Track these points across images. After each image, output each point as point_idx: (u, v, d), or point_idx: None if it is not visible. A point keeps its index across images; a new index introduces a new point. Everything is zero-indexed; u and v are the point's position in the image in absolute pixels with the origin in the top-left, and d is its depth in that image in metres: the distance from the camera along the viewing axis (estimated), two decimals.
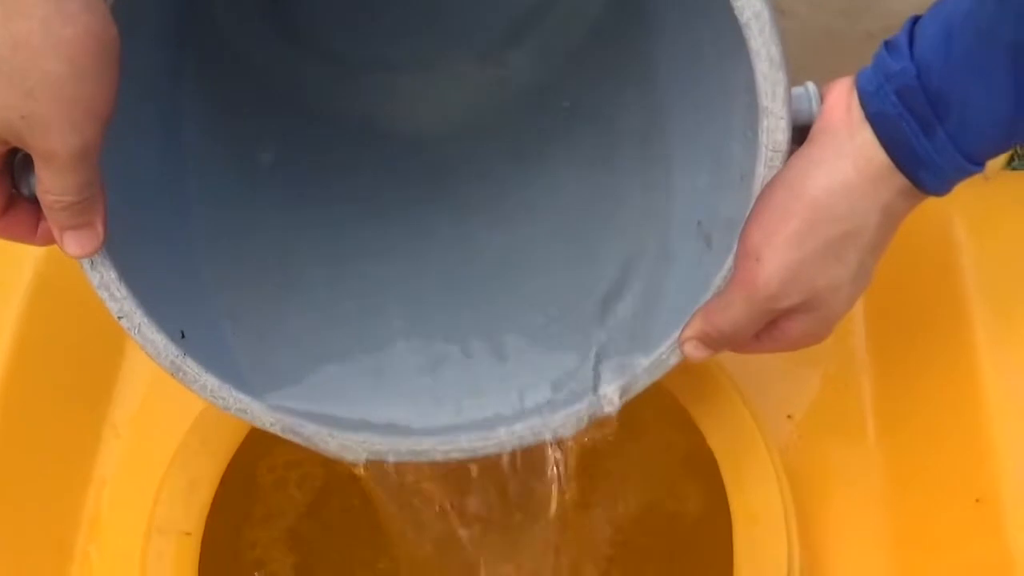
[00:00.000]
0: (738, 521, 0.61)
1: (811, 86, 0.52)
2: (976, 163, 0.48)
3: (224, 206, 0.64)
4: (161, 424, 0.70)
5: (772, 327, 0.54)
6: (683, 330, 0.55)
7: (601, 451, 0.70)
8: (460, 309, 0.66)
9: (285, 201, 0.68)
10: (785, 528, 0.61)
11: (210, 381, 0.54)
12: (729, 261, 0.53)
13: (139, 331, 0.52)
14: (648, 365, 0.57)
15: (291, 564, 0.70)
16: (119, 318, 0.51)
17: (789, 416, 0.70)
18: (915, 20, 0.48)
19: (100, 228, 0.47)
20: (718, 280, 0.54)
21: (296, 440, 0.56)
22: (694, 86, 0.59)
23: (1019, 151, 1.08)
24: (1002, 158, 1.05)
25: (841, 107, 0.50)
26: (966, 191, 0.73)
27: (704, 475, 0.63)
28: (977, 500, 0.61)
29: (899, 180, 0.49)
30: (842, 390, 0.71)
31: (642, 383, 0.57)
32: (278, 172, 0.69)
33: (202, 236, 0.61)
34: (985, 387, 0.64)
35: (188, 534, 0.63)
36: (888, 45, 0.49)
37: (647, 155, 0.64)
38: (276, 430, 0.56)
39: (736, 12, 0.47)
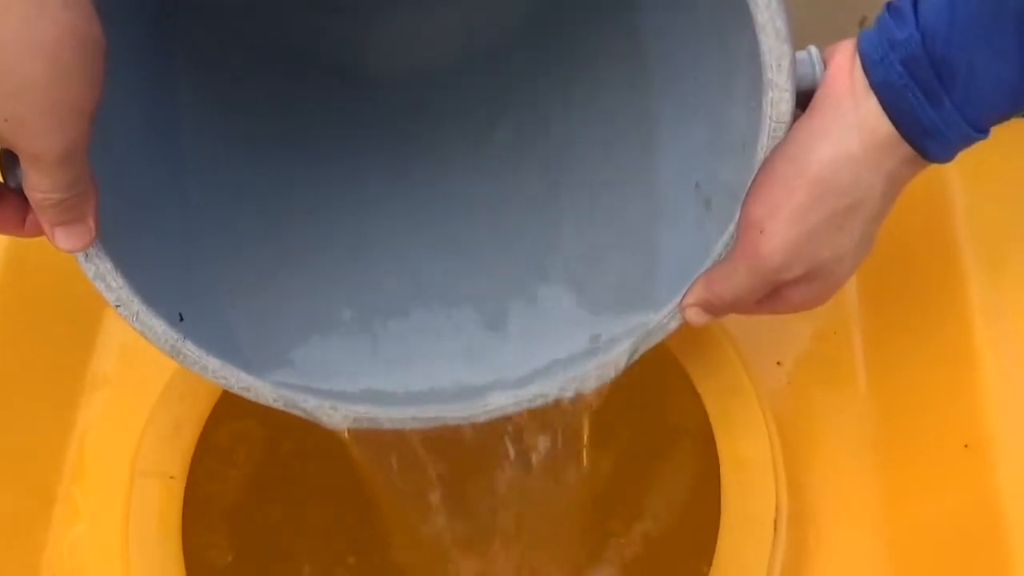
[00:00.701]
0: (726, 466, 0.61)
1: (814, 51, 0.51)
2: (981, 130, 0.48)
3: (214, 180, 0.63)
4: (145, 372, 0.69)
5: (774, 294, 0.53)
6: (685, 296, 0.55)
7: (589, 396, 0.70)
8: (454, 269, 0.66)
9: (273, 166, 0.67)
10: (773, 473, 0.61)
11: (211, 363, 0.54)
12: (731, 229, 0.53)
13: (137, 318, 0.51)
14: (650, 329, 0.57)
15: (277, 506, 0.70)
16: (116, 307, 0.51)
17: (779, 363, 0.70)
18: None
19: (91, 222, 0.46)
20: (719, 247, 0.54)
21: (298, 414, 0.56)
22: (692, 46, 0.58)
23: None
24: None
25: (844, 73, 0.49)
26: None
27: (693, 420, 0.63)
28: (966, 446, 0.61)
29: (904, 150, 0.48)
30: (832, 338, 0.71)
31: (644, 347, 0.57)
32: (264, 136, 0.68)
33: (194, 213, 0.60)
34: (975, 335, 0.64)
35: (172, 477, 0.63)
36: (891, 9, 0.48)
37: (638, 110, 0.63)
38: (279, 406, 0.56)
39: None
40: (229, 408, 0.65)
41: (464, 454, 0.62)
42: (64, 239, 0.46)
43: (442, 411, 0.57)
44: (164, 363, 0.65)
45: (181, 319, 0.53)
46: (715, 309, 0.55)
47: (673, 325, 0.56)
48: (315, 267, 0.64)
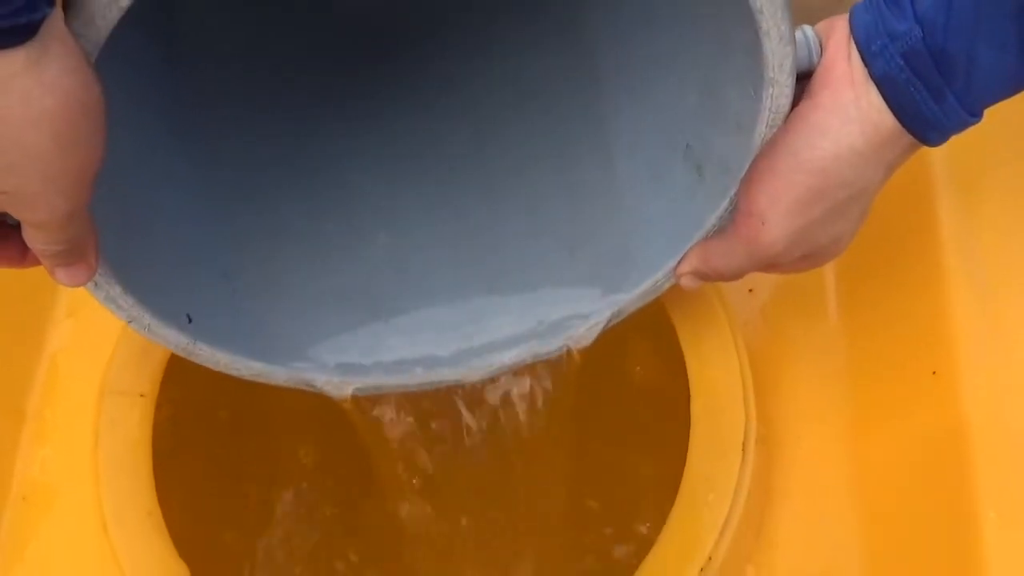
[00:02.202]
0: (696, 389, 0.62)
1: (810, 33, 0.50)
2: (978, 115, 0.48)
3: (208, 180, 0.62)
4: None
5: (769, 266, 0.55)
6: (680, 264, 0.57)
7: None
8: (449, 234, 0.66)
9: (263, 140, 0.66)
10: (742, 397, 0.61)
11: (222, 358, 0.55)
12: (724, 205, 0.54)
13: (149, 330, 0.52)
14: (642, 291, 0.59)
15: (247, 424, 0.70)
16: (129, 322, 0.51)
17: (751, 290, 0.70)
18: None
19: (92, 260, 0.45)
20: (712, 220, 0.55)
21: (310, 390, 0.58)
22: (686, 23, 0.57)
23: None
24: None
25: (842, 60, 0.49)
26: None
27: (664, 345, 0.63)
28: (934, 373, 0.62)
29: (906, 140, 0.49)
30: None
31: (634, 306, 0.60)
32: (257, 132, 0.66)
33: (190, 213, 0.60)
34: (945, 265, 0.64)
35: (142, 395, 0.63)
36: None
37: (627, 63, 0.62)
38: (290, 385, 0.58)
39: (750, 4, 0.45)
40: None
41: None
42: (65, 277, 0.45)
43: (444, 375, 0.60)
44: None
45: (190, 320, 0.54)
46: (708, 278, 0.57)
47: (665, 286, 0.59)
48: (312, 249, 0.64)
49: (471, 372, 0.60)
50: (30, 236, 0.42)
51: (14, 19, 0.34)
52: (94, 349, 0.67)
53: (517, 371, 0.62)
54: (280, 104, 0.67)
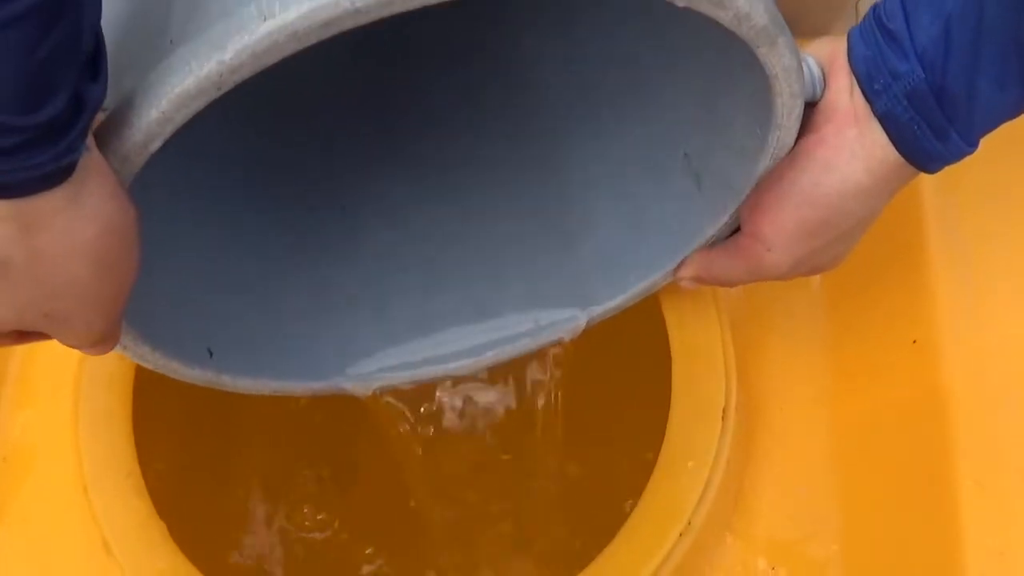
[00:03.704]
0: (677, 356, 0.62)
1: (814, 67, 0.50)
2: (976, 145, 0.49)
3: (212, 176, 0.62)
4: None
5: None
6: (682, 268, 0.59)
7: None
8: (449, 233, 0.66)
9: (264, 145, 0.67)
10: (723, 364, 0.62)
11: (244, 383, 0.57)
12: (724, 219, 0.56)
13: (177, 373, 0.54)
14: (640, 289, 0.61)
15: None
16: (157, 369, 0.53)
17: None
18: None
19: (118, 337, 0.46)
20: (712, 231, 0.57)
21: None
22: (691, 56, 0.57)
23: None
24: None
25: (844, 94, 0.50)
26: None
27: (646, 312, 0.63)
28: (914, 342, 0.62)
29: (908, 170, 0.50)
30: None
31: (631, 302, 0.62)
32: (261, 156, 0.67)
33: (194, 225, 0.60)
34: (927, 235, 0.64)
35: (123, 357, 0.63)
36: (886, 33, 0.47)
37: (626, 68, 0.62)
38: (308, 395, 0.60)
39: (766, 68, 0.45)
40: None
41: None
42: (94, 353, 0.46)
43: (452, 368, 0.62)
44: None
45: (211, 355, 0.55)
46: (707, 283, 0.60)
47: (663, 283, 0.61)
48: (316, 255, 0.65)
49: (479, 363, 0.62)
50: (63, 340, 0.43)
51: (55, 163, 0.36)
52: None
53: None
54: (283, 111, 0.67)
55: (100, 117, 0.39)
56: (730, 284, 0.59)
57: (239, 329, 0.59)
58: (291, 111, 0.67)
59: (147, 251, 0.43)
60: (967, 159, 0.65)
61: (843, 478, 0.64)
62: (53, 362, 0.67)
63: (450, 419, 0.74)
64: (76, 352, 0.63)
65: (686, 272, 0.59)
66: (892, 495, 0.62)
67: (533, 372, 0.75)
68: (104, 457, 0.60)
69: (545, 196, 0.65)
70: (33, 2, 0.33)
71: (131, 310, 0.46)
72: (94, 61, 0.37)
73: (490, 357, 0.62)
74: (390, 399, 0.63)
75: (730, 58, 0.48)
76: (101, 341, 0.44)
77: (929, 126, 0.47)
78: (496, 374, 0.75)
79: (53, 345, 0.68)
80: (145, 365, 0.53)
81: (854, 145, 0.49)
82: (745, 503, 0.63)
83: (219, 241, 0.61)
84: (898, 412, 0.62)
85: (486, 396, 0.76)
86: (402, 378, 0.62)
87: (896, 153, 0.49)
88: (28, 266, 0.38)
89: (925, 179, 0.65)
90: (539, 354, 0.67)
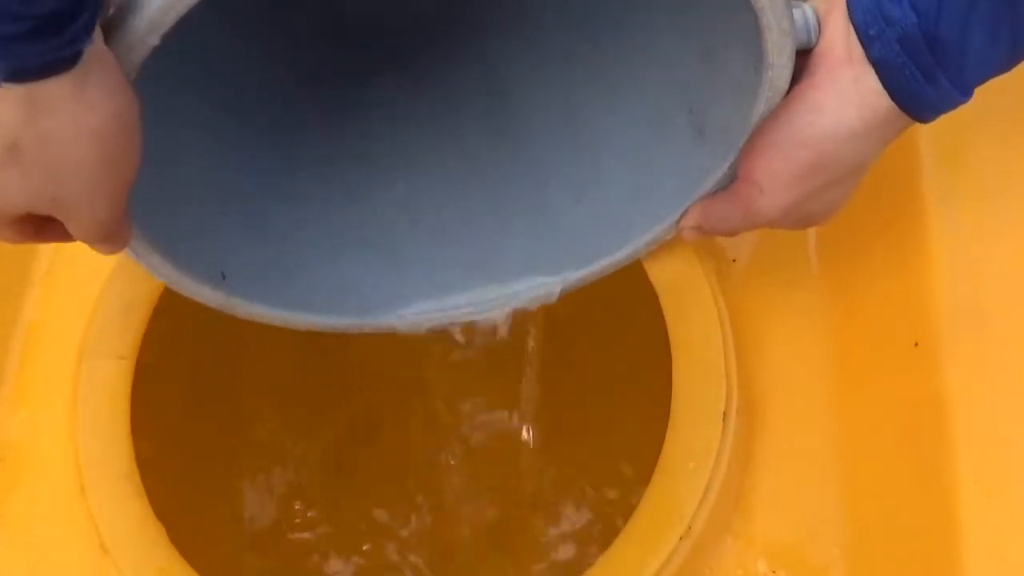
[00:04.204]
0: (678, 358, 0.62)
1: (809, 12, 0.51)
2: (969, 95, 0.50)
3: (231, 108, 0.64)
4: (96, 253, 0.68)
5: (764, 225, 0.58)
6: (683, 219, 0.61)
7: None
8: (458, 180, 0.67)
9: (284, 82, 0.68)
10: (724, 366, 0.61)
11: (256, 310, 0.58)
12: (724, 168, 0.57)
13: (187, 290, 0.55)
14: (647, 240, 0.62)
15: (227, 390, 0.70)
16: (170, 285, 0.55)
17: (734, 260, 0.70)
18: None
19: (126, 234, 0.49)
20: (712, 182, 0.58)
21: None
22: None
23: None
24: None
25: (840, 40, 0.50)
26: None
27: (646, 312, 0.63)
28: (916, 344, 0.62)
29: (901, 118, 0.50)
30: (789, 237, 0.70)
31: (640, 254, 0.63)
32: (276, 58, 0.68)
33: (215, 152, 0.62)
34: (930, 236, 0.64)
35: (121, 358, 0.63)
36: None
37: (630, 20, 0.63)
38: (317, 328, 0.61)
39: (753, 2, 0.46)
40: None
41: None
42: (103, 250, 0.49)
43: (462, 314, 0.63)
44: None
45: (224, 277, 0.57)
46: (707, 234, 0.61)
47: (666, 238, 0.62)
48: (333, 196, 0.66)
49: (490, 308, 0.63)
50: (73, 228, 0.46)
51: (60, 51, 0.39)
52: (74, 311, 0.67)
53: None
54: (300, 57, 0.68)
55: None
56: (729, 233, 0.60)
57: (254, 257, 0.60)
58: (311, 56, 0.69)
59: (167, 167, 0.46)
60: (972, 162, 0.65)
61: (844, 481, 0.63)
62: (51, 362, 0.67)
63: (455, 437, 0.75)
64: (74, 352, 0.64)
65: (687, 222, 0.61)
66: (893, 498, 0.61)
67: (533, 371, 0.75)
68: (101, 457, 0.60)
69: (556, 149, 0.66)
70: None
71: (147, 218, 0.48)
72: None
73: (496, 308, 0.63)
74: None
75: (726, 5, 0.50)
76: (108, 236, 0.47)
77: (920, 71, 0.48)
78: (497, 373, 0.75)
79: (51, 345, 0.69)
80: (155, 275, 0.54)
81: (848, 89, 0.50)
82: (746, 505, 0.63)
83: (241, 172, 0.62)
84: (900, 415, 0.62)
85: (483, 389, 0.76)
86: (409, 320, 0.62)
87: (889, 100, 0.49)
88: (36, 149, 0.41)
89: (928, 175, 0.65)
90: (538, 351, 0.67)
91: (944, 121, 0.66)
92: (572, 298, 0.64)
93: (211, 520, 0.71)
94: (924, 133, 0.67)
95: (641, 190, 0.63)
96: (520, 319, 0.74)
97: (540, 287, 0.63)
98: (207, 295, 0.56)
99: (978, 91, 0.51)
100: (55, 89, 0.39)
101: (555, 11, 0.66)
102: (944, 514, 0.57)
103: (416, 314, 0.62)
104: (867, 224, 0.68)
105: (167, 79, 0.48)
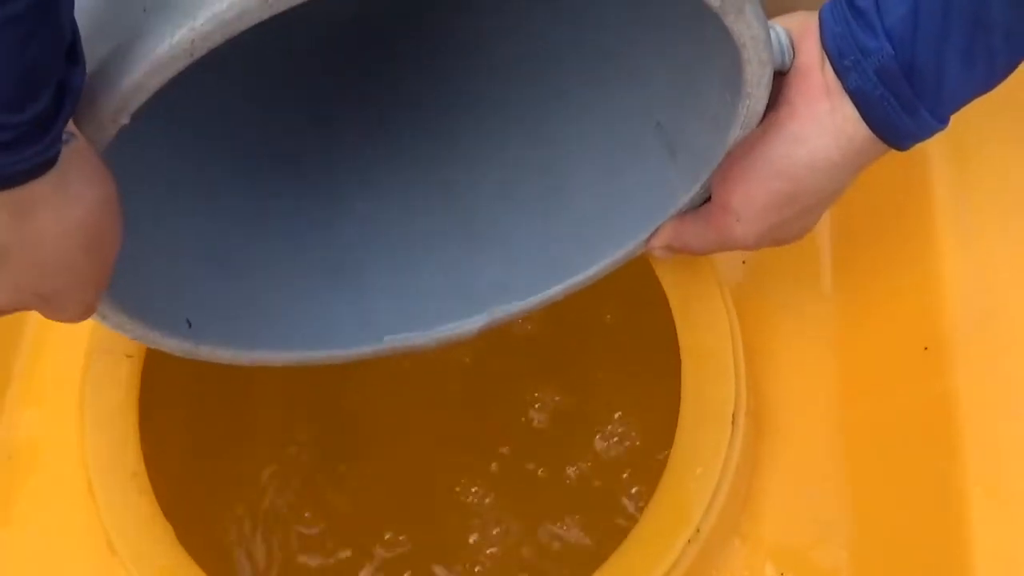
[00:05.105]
0: (687, 359, 0.62)
1: (783, 35, 0.51)
2: (946, 122, 0.50)
3: (191, 150, 0.62)
4: None
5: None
6: (654, 237, 0.60)
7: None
8: (426, 203, 0.66)
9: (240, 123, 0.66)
10: (733, 368, 0.61)
11: (225, 354, 0.57)
12: (696, 189, 0.57)
13: (156, 343, 0.55)
14: (614, 259, 0.61)
15: (235, 387, 0.70)
16: (135, 339, 0.54)
17: (744, 261, 0.70)
18: None
19: (96, 305, 0.47)
20: (684, 200, 0.58)
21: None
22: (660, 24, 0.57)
23: None
24: None
25: (815, 68, 0.50)
26: None
27: (656, 314, 0.63)
28: (925, 348, 0.62)
29: (878, 146, 0.50)
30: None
31: (608, 270, 0.62)
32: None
33: (174, 198, 0.60)
34: (940, 240, 0.64)
35: (129, 356, 0.63)
36: (854, 9, 0.48)
37: (601, 36, 0.62)
38: (290, 364, 0.60)
39: (734, 37, 0.46)
40: None
41: None
42: (73, 323, 0.47)
43: (432, 338, 0.62)
44: None
45: (190, 326, 0.56)
46: (678, 252, 0.61)
47: (636, 253, 0.61)
48: (295, 226, 0.65)
49: (463, 328, 0.62)
50: (53, 315, 0.45)
51: (44, 154, 0.37)
52: None
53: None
54: (263, 82, 0.67)
55: None
56: (700, 253, 0.60)
57: (217, 300, 0.59)
58: (272, 83, 0.67)
59: (126, 220, 0.44)
60: (982, 166, 0.65)
61: (852, 484, 0.63)
62: (59, 360, 0.67)
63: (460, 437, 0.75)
64: (82, 350, 0.64)
65: (658, 241, 0.60)
66: (901, 502, 0.61)
67: (538, 374, 0.75)
68: (109, 456, 0.60)
69: (522, 167, 0.65)
70: (32, 0, 0.34)
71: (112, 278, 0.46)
72: (72, 46, 0.38)
73: (463, 327, 0.62)
74: None
75: (701, 29, 0.49)
76: (88, 314, 0.46)
77: (899, 102, 0.48)
78: (501, 373, 0.75)
79: (59, 343, 0.69)
80: (123, 335, 0.53)
81: (825, 120, 0.50)
82: (754, 508, 0.63)
83: (196, 211, 0.61)
84: (908, 419, 0.62)
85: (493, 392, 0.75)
86: (379, 348, 0.62)
87: (867, 129, 0.49)
88: (23, 250, 0.40)
89: (938, 184, 0.65)
90: (548, 358, 0.67)
91: (954, 123, 0.67)
92: (581, 300, 0.64)
93: (218, 519, 0.71)
94: (934, 139, 0.66)
95: (612, 209, 0.62)
96: (523, 319, 0.75)
97: (513, 307, 0.62)
98: (174, 345, 0.55)
99: (988, 97, 0.50)
100: (38, 190, 0.38)
101: (523, 27, 0.65)
102: (953, 518, 0.57)
103: (391, 339, 0.62)
104: (877, 228, 0.68)
105: (127, 135, 0.47)
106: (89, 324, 0.64)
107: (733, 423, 0.60)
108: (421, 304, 0.63)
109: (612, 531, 0.60)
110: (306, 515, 0.72)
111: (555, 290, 0.62)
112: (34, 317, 0.69)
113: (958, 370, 0.60)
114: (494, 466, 0.73)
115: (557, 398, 0.74)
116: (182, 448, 0.69)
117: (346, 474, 0.75)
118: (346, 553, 0.72)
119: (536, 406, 0.74)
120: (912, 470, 0.61)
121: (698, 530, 0.57)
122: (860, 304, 0.68)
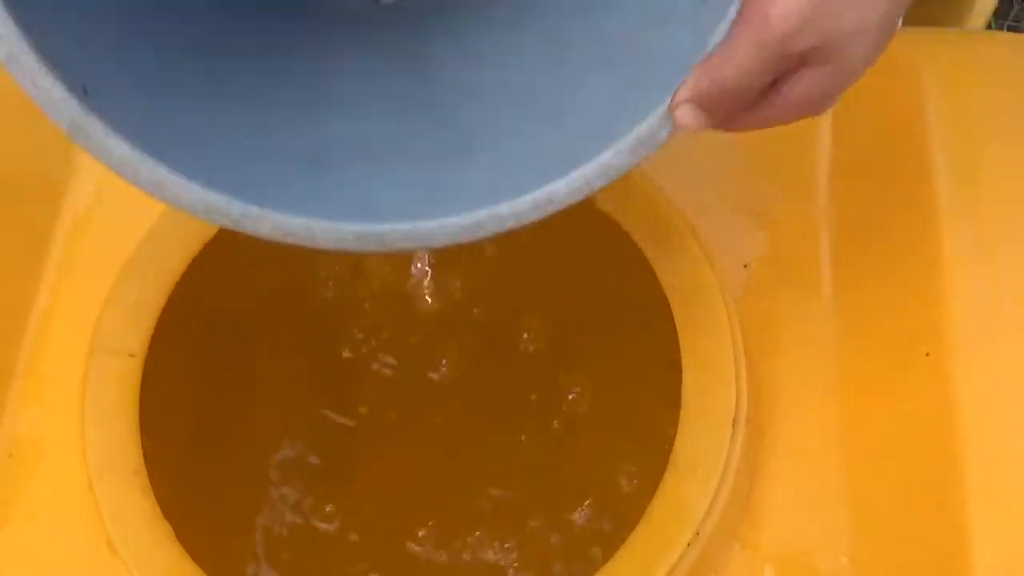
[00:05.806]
0: (687, 364, 0.62)
1: None
2: None
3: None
4: (107, 248, 0.68)
5: (772, 91, 0.47)
6: (677, 92, 0.47)
7: (558, 293, 0.70)
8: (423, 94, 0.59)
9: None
10: (734, 373, 0.61)
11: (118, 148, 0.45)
12: (731, 11, 0.46)
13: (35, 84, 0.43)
14: (634, 140, 0.49)
15: (238, 388, 0.70)
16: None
17: (745, 266, 0.70)
18: None
19: None
20: (716, 38, 0.47)
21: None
22: None
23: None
24: (981, 18, 1.04)
25: None
26: (940, 50, 0.73)
27: (657, 318, 0.63)
28: (927, 354, 0.61)
29: None
30: (801, 243, 0.70)
31: (628, 163, 0.50)
32: None
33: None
34: (943, 245, 0.64)
35: (131, 355, 0.63)
36: None
37: None
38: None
39: None
40: (191, 286, 0.64)
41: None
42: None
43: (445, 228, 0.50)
44: (126, 240, 0.65)
45: (86, 92, 0.43)
46: (713, 102, 0.47)
47: (661, 136, 0.49)
48: (261, 107, 0.56)
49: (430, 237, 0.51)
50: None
51: None
52: (83, 308, 0.67)
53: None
54: None
55: None
56: (737, 84, 0.46)
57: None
58: None
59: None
60: (986, 171, 0.65)
61: (853, 490, 0.63)
62: (60, 359, 0.67)
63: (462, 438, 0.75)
64: (83, 348, 0.64)
65: (684, 92, 0.47)
66: (903, 508, 0.61)
67: (539, 377, 0.75)
68: (110, 454, 0.60)
69: (542, 37, 0.59)
70: None
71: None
72: None
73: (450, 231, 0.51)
74: None
75: None
76: None
77: None
78: (499, 379, 0.75)
79: (61, 342, 0.69)
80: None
81: None
82: (754, 513, 0.63)
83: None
84: (910, 424, 0.62)
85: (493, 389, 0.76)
86: (380, 230, 0.49)
87: None
88: None
89: (941, 187, 0.65)
90: (547, 361, 0.67)
91: (958, 127, 0.67)
92: (581, 302, 0.64)
93: (219, 519, 0.71)
94: (937, 140, 0.67)
95: (632, 89, 0.52)
96: (524, 320, 0.75)
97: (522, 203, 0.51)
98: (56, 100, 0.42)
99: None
100: None
101: None
102: (954, 525, 0.57)
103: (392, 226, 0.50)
104: (879, 232, 0.68)
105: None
106: (91, 321, 0.65)
107: (734, 427, 0.60)
108: (427, 194, 0.52)
109: (611, 536, 0.60)
110: (308, 515, 0.73)
111: (559, 183, 0.50)
112: (35, 315, 0.69)
113: (960, 376, 0.60)
114: (494, 466, 0.73)
115: (553, 398, 0.74)
116: (183, 447, 0.69)
117: (350, 473, 0.75)
118: (350, 552, 0.72)
119: (536, 409, 0.74)
120: (913, 476, 0.61)
121: (697, 533, 0.57)
122: (861, 309, 0.68)
